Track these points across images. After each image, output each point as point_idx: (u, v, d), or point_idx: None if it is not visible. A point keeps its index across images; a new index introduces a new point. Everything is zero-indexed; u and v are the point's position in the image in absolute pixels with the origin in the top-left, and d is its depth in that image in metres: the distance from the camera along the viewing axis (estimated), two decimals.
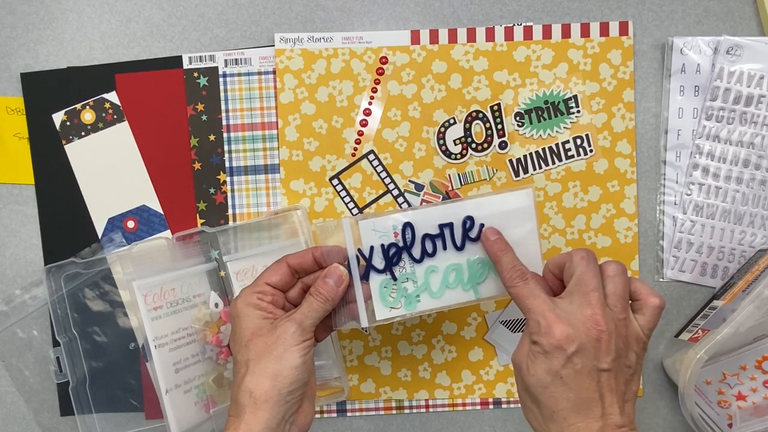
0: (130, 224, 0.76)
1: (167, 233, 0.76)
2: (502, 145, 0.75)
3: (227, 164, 0.76)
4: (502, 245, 0.60)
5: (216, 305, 0.72)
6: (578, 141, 0.75)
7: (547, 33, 0.75)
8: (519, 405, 0.76)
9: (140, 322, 0.67)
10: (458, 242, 0.62)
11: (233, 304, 0.61)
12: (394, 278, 0.62)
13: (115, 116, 0.76)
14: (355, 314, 0.63)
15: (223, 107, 0.76)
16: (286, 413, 0.58)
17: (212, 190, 0.76)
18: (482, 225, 0.62)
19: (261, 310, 0.60)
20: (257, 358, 0.58)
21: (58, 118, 0.76)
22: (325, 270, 0.62)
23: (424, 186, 0.76)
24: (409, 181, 0.76)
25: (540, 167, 0.75)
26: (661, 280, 0.76)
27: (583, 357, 0.53)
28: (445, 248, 0.62)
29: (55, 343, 0.75)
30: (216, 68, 0.75)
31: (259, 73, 0.76)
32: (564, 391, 0.54)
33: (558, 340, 0.54)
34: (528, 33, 0.75)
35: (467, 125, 0.75)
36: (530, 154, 0.75)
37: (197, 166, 0.76)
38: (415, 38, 0.75)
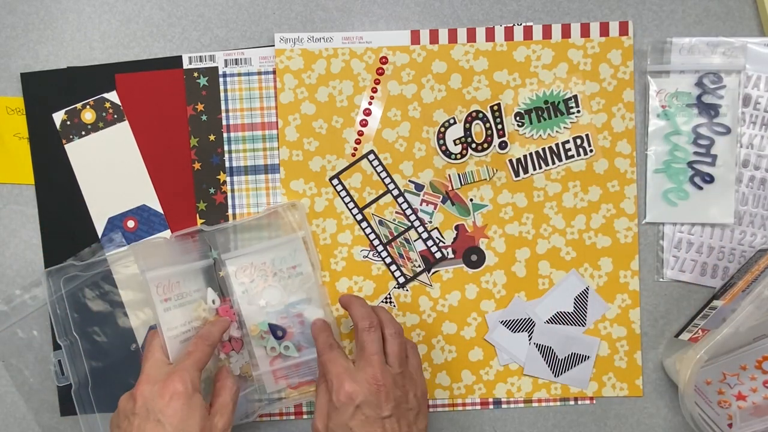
0: (130, 224, 0.76)
1: (167, 233, 0.76)
2: (502, 145, 0.75)
3: (227, 164, 0.76)
4: (317, 329, 0.72)
5: (213, 302, 0.72)
6: (578, 141, 0.75)
7: (547, 33, 0.75)
8: (519, 405, 0.76)
9: (153, 312, 0.67)
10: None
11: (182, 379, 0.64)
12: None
13: (115, 116, 0.76)
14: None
15: (223, 107, 0.76)
16: None
17: (212, 190, 0.76)
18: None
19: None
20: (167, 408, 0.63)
21: (58, 117, 0.76)
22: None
23: (424, 186, 0.76)
24: (409, 181, 0.76)
25: (540, 167, 0.75)
26: (661, 280, 0.76)
27: (368, 408, 0.63)
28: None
29: (56, 345, 0.75)
30: (216, 68, 0.75)
31: (259, 73, 0.76)
32: None
33: (346, 395, 0.63)
34: (528, 33, 0.75)
35: (467, 125, 0.75)
36: (530, 154, 0.75)
37: (197, 166, 0.76)
38: (415, 38, 0.75)
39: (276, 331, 0.73)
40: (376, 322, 0.68)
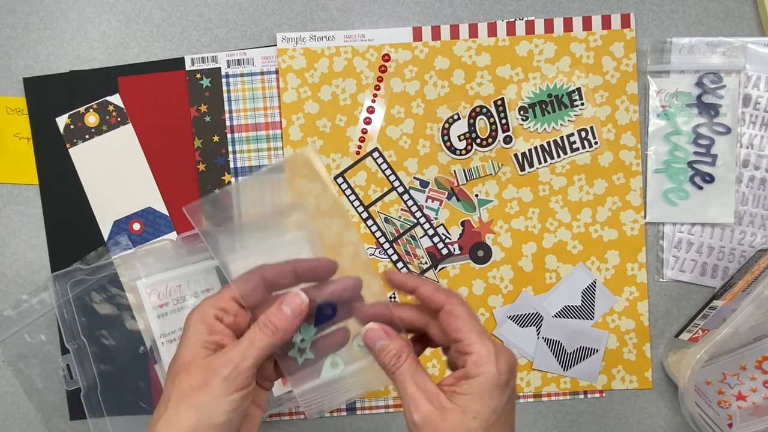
0: (136, 226, 0.76)
1: (173, 235, 0.76)
2: (507, 140, 0.75)
3: (232, 165, 0.75)
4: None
5: None
6: (583, 134, 0.75)
7: (549, 27, 0.75)
8: (526, 401, 0.76)
9: (146, 320, 0.67)
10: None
11: (189, 314, 0.51)
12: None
13: (118, 119, 0.75)
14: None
15: (226, 108, 0.75)
16: None
17: (217, 191, 0.75)
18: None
19: (211, 333, 0.50)
20: (177, 400, 0.48)
21: (61, 121, 0.75)
22: (281, 296, 0.51)
23: (429, 183, 0.76)
24: (414, 178, 0.76)
25: (545, 161, 0.75)
26: (661, 280, 0.76)
27: (514, 388, 0.50)
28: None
29: (64, 350, 0.75)
30: (218, 69, 0.75)
31: (262, 73, 0.75)
32: (503, 429, 0.49)
33: (509, 372, 0.49)
34: (530, 27, 0.75)
35: (471, 121, 0.75)
36: (535, 148, 0.75)
37: (202, 167, 0.76)
38: (417, 35, 0.75)
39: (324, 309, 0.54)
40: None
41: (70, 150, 0.76)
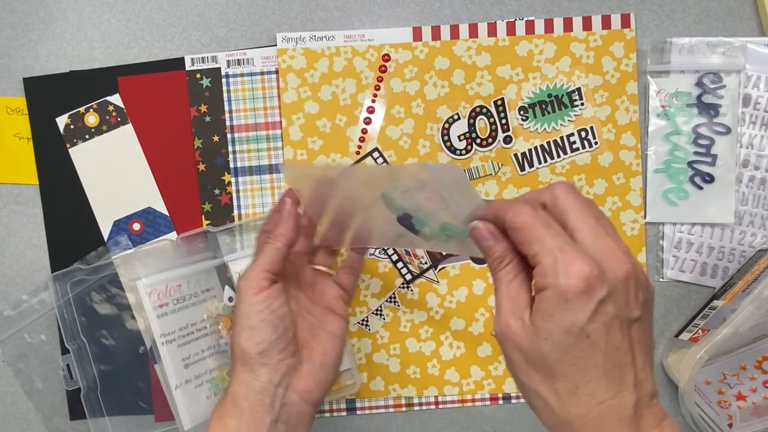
0: (136, 226, 0.76)
1: (173, 235, 0.76)
2: (507, 140, 0.75)
3: (232, 165, 0.75)
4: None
5: (230, 299, 0.72)
6: (583, 133, 0.75)
7: (549, 27, 0.75)
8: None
9: (146, 320, 0.67)
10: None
11: (238, 282, 0.57)
12: None
13: (118, 119, 0.75)
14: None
15: (226, 108, 0.75)
16: (271, 376, 0.54)
17: (217, 191, 0.76)
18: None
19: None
20: (236, 316, 0.56)
21: (61, 121, 0.75)
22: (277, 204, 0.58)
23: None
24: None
25: (545, 161, 0.75)
26: (661, 280, 0.76)
27: (615, 304, 0.41)
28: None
29: (64, 350, 0.75)
30: (218, 69, 0.75)
31: (262, 73, 0.75)
32: (591, 354, 0.41)
33: (583, 281, 0.41)
34: (530, 27, 0.75)
35: (471, 121, 0.75)
36: (535, 148, 0.75)
37: (202, 167, 0.76)
38: (417, 35, 0.75)
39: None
40: None
41: (70, 150, 0.76)
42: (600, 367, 0.41)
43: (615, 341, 0.41)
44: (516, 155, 0.75)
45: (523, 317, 0.44)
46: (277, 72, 0.75)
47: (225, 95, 0.75)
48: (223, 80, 0.75)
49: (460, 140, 0.75)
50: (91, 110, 0.75)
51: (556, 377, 0.42)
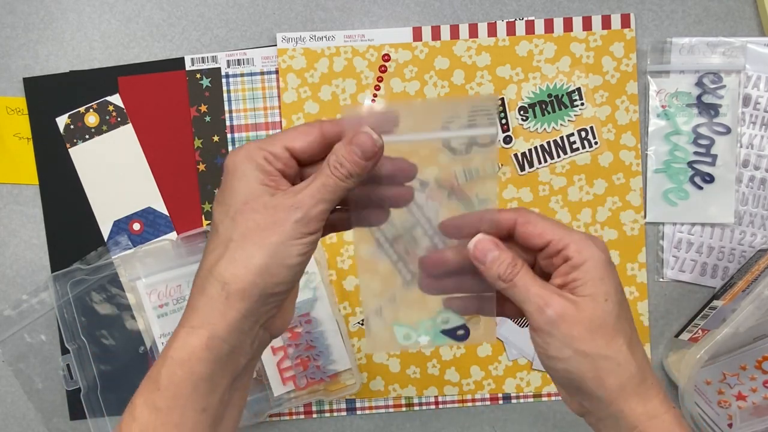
0: (136, 226, 0.76)
1: (173, 235, 0.76)
2: (507, 140, 0.75)
3: None
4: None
5: None
6: (583, 133, 0.75)
7: (549, 27, 0.75)
8: (526, 401, 0.76)
9: (146, 320, 0.67)
10: None
11: (229, 156, 0.46)
12: None
13: (118, 119, 0.76)
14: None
15: (226, 108, 0.75)
16: (261, 317, 0.45)
17: (217, 191, 0.76)
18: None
19: (264, 173, 0.45)
20: (243, 239, 0.44)
21: (61, 121, 0.75)
22: (349, 134, 0.45)
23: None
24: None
25: (545, 161, 0.75)
26: (661, 280, 0.76)
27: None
28: None
29: (64, 350, 0.75)
30: (218, 69, 0.75)
31: (262, 73, 0.75)
32: (628, 308, 0.47)
33: (607, 252, 0.46)
34: (530, 27, 0.75)
35: None
36: (535, 148, 0.75)
37: (202, 167, 0.76)
38: (417, 35, 0.75)
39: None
40: None
41: (70, 150, 0.76)
42: (631, 321, 0.47)
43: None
44: (516, 155, 0.75)
45: (569, 297, 0.45)
46: (277, 72, 0.75)
47: (225, 95, 0.75)
48: (223, 80, 0.75)
49: None
50: (91, 110, 0.76)
51: (619, 334, 0.45)
